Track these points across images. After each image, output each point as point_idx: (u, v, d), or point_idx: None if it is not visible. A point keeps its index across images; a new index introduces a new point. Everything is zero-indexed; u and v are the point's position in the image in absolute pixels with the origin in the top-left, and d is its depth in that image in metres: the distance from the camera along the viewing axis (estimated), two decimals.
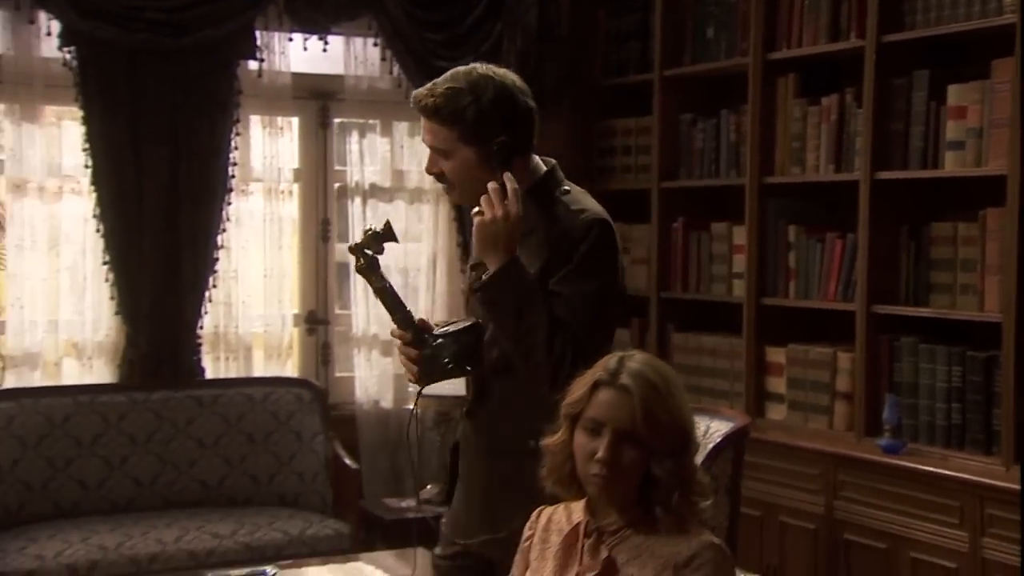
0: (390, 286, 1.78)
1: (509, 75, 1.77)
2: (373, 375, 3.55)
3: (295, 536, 2.98)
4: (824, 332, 3.07)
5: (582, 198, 1.79)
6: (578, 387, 1.56)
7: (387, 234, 1.77)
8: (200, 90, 3.21)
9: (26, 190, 3.11)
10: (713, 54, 3.34)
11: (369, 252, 1.76)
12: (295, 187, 3.53)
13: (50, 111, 3.15)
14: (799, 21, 3.05)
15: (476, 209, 1.70)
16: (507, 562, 1.76)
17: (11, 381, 3.10)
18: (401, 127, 3.60)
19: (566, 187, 1.79)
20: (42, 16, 3.06)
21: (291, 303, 3.51)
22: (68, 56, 3.07)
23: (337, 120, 3.58)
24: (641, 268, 3.59)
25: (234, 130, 3.29)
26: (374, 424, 3.56)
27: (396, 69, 3.49)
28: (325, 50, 3.40)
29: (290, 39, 3.36)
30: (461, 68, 1.78)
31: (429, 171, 1.80)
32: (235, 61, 3.27)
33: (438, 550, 1.94)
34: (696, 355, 3.35)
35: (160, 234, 3.20)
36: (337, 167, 3.61)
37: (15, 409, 2.99)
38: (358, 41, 3.48)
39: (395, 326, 1.78)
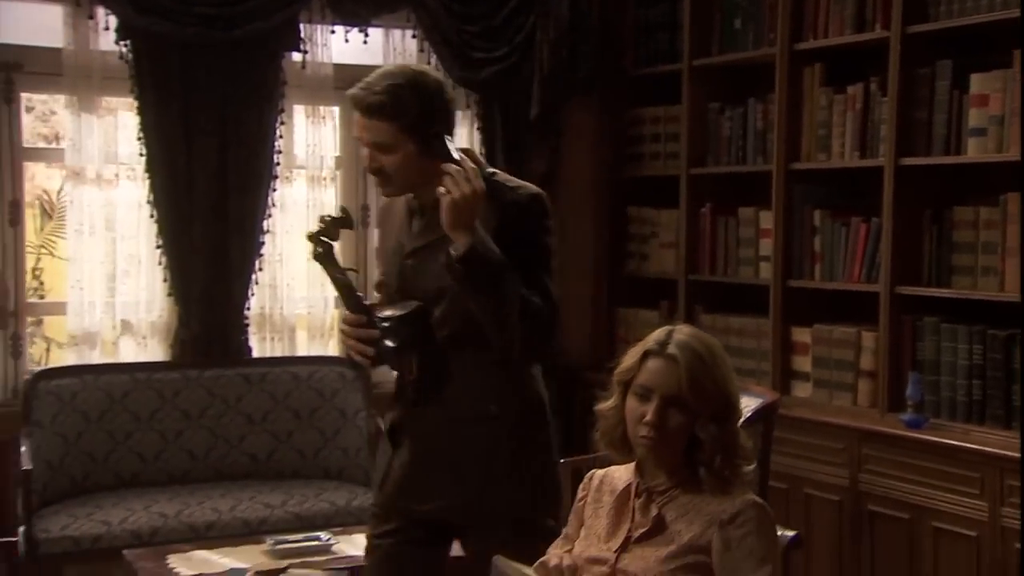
0: (346, 274, 1.84)
1: (433, 71, 1.91)
2: None
3: (341, 507, 3.13)
4: (848, 312, 3.17)
5: (510, 177, 1.94)
6: (629, 357, 1.70)
7: (344, 221, 1.84)
8: (248, 82, 3.34)
9: (84, 177, 3.26)
10: (741, 44, 3.44)
11: (326, 240, 1.82)
12: (337, 174, 3.67)
13: (107, 102, 3.29)
14: (825, 12, 3.14)
15: (442, 190, 1.75)
16: (470, 526, 1.86)
17: (72, 359, 3.26)
18: None
19: (490, 169, 1.90)
20: (100, 12, 3.20)
21: (333, 286, 3.65)
22: (124, 49, 3.21)
23: None
24: (670, 252, 3.71)
25: (279, 120, 3.42)
26: None
27: (433, 60, 3.61)
28: (365, 42, 3.53)
29: (332, 32, 3.49)
30: (390, 67, 1.89)
31: (370, 168, 1.86)
32: (281, 53, 3.40)
33: (371, 530, 1.97)
34: (723, 335, 3.46)
35: (210, 220, 3.34)
36: None
37: (78, 385, 3.15)
38: (396, 33, 3.61)
39: (347, 311, 1.85)
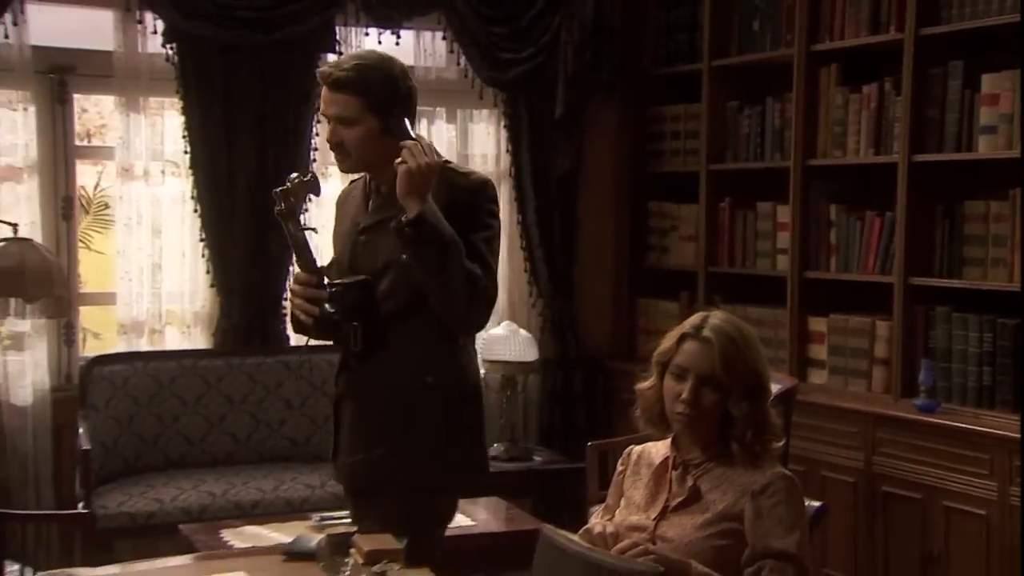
0: (304, 234, 1.92)
1: (399, 60, 1.98)
2: None
3: None
4: (863, 303, 3.30)
5: (462, 165, 2.05)
6: (667, 340, 1.84)
7: (311, 186, 1.93)
8: (285, 82, 3.48)
9: (133, 174, 3.42)
10: (759, 46, 3.57)
11: (292, 199, 1.90)
12: None
13: (154, 102, 3.44)
14: (841, 15, 3.27)
15: (399, 160, 1.83)
16: (387, 488, 1.93)
17: (122, 346, 3.42)
18: (465, 114, 3.88)
19: (443, 157, 1.98)
20: (148, 16, 3.35)
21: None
22: (170, 52, 3.36)
23: None
24: (690, 244, 3.85)
25: (315, 118, 3.56)
26: None
27: (462, 61, 3.75)
28: (398, 44, 3.66)
29: (366, 34, 3.63)
30: (360, 51, 1.99)
31: (330, 140, 1.94)
32: (317, 55, 3.54)
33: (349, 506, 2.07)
34: None
35: (249, 215, 3.49)
36: None
37: (129, 371, 3.32)
38: (427, 35, 3.75)
39: (299, 271, 1.93)
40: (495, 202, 2.00)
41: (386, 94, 1.91)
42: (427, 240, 1.84)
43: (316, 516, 2.77)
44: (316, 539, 1.79)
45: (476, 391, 2.04)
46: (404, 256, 1.86)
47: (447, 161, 2.01)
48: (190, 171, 3.44)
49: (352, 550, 1.65)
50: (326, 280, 1.93)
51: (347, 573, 1.64)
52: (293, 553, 1.85)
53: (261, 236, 3.52)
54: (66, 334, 3.42)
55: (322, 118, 1.99)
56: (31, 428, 3.27)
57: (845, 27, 3.27)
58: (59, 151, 3.39)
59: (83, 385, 3.25)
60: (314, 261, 1.93)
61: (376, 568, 1.55)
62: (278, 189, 1.92)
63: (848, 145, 3.28)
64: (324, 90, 1.94)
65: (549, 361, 3.88)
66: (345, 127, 1.92)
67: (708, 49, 3.69)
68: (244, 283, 3.51)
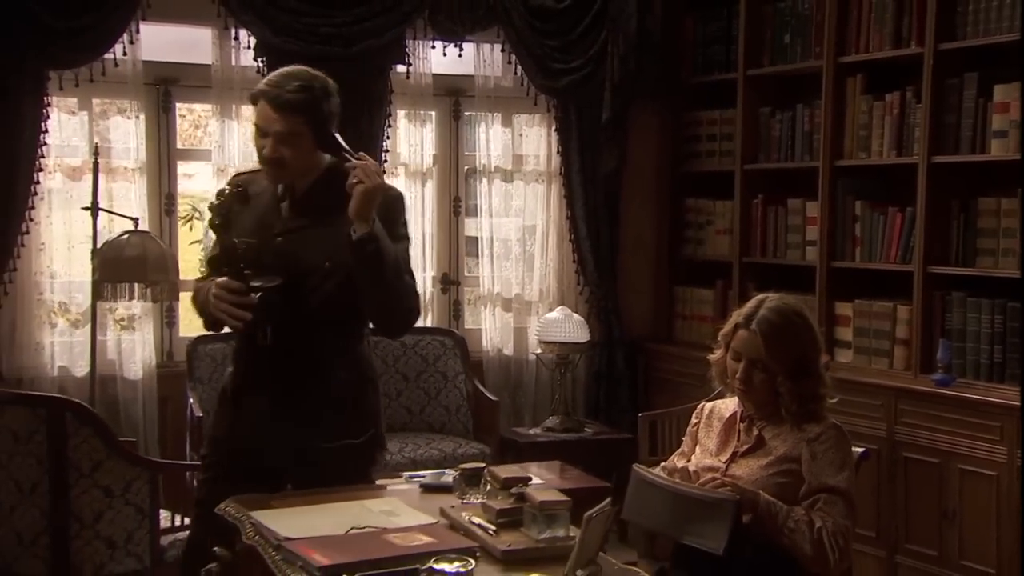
0: (235, 244, 2.03)
1: (328, 77, 2.11)
2: (497, 328, 4.20)
3: (449, 453, 3.66)
4: (886, 289, 3.62)
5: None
6: (729, 323, 2.16)
7: (241, 197, 2.07)
8: (362, 90, 3.81)
9: (227, 174, 3.76)
10: (790, 57, 3.89)
11: (224, 211, 2.03)
12: (434, 170, 4.17)
13: (246, 110, 3.79)
14: (867, 30, 3.58)
15: (355, 180, 1.97)
16: (293, 471, 2.12)
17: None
18: (520, 119, 4.24)
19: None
20: (243, 33, 3.70)
21: (430, 267, 4.17)
22: (261, 64, 3.70)
23: (467, 113, 4.20)
24: (725, 237, 4.19)
25: (387, 123, 3.92)
26: (498, 368, 4.21)
27: (518, 70, 4.10)
28: (460, 55, 4.02)
29: (432, 47, 3.97)
30: (294, 70, 2.07)
31: (272, 156, 2.03)
32: (389, 66, 3.90)
33: (201, 475, 2.20)
34: None
35: None
36: (466, 152, 4.24)
37: (227, 349, 3.53)
38: (486, 47, 4.09)
39: (227, 279, 2.03)
40: (405, 214, 2.17)
41: (326, 111, 2.07)
42: (379, 256, 1.97)
43: (405, 475, 3.09)
44: (448, 475, 2.13)
45: (375, 388, 2.22)
46: (354, 266, 1.97)
47: None
48: None
49: (487, 480, 2.00)
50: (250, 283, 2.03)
51: (482, 498, 1.99)
52: (429, 486, 2.20)
53: None
54: (168, 316, 3.79)
55: (255, 128, 2.09)
56: (141, 399, 3.64)
57: (870, 41, 3.57)
58: (163, 154, 3.75)
59: (190, 361, 3.61)
60: (243, 271, 2.03)
61: (513, 490, 1.90)
62: (212, 202, 2.07)
63: (872, 147, 3.60)
64: (265, 107, 2.02)
65: (594, 343, 4.21)
66: (286, 144, 2.03)
67: (743, 60, 4.02)
68: None
